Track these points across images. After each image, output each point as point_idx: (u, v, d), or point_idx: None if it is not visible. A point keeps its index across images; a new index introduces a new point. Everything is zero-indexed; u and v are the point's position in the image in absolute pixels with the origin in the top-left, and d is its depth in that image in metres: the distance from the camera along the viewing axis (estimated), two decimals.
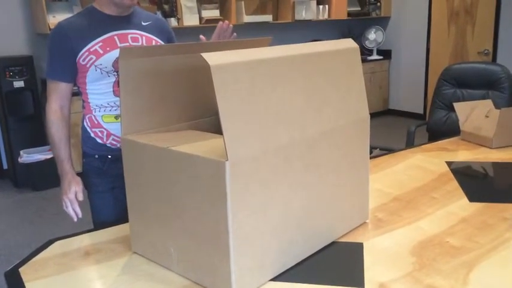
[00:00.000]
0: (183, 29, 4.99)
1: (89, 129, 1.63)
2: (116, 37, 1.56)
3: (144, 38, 1.62)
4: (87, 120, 1.63)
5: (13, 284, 1.11)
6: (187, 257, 1.08)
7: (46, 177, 4.10)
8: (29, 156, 4.04)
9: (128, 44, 1.57)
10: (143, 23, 1.65)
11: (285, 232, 1.09)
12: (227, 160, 0.93)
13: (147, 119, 1.22)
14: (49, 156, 4.08)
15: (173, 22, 4.81)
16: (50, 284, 1.10)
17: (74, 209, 1.53)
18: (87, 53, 1.53)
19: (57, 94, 1.58)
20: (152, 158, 1.10)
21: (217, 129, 1.35)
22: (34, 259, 1.22)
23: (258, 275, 1.05)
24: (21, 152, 4.07)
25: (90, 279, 1.11)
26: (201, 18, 5.05)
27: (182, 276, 1.10)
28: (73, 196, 1.53)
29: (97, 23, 1.56)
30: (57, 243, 1.30)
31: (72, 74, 1.58)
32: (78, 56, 1.54)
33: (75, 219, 1.54)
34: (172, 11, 4.81)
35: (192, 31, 5.14)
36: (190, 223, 1.04)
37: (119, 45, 1.56)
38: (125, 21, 1.60)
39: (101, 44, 1.54)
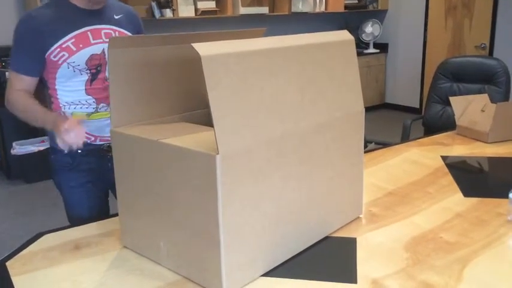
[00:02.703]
0: (178, 20, 4.94)
1: None
2: (88, 33, 1.49)
3: (117, 33, 1.55)
4: None
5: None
6: (178, 252, 1.06)
7: (39, 169, 4.07)
8: (21, 148, 4.00)
9: (101, 40, 1.50)
10: (116, 17, 1.57)
11: (277, 227, 1.07)
12: (218, 153, 0.91)
13: (137, 111, 1.20)
14: (42, 148, 4.05)
15: (168, 13, 4.76)
16: (38, 278, 1.08)
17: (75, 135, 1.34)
18: (58, 49, 1.46)
19: (21, 86, 1.49)
20: (142, 150, 1.08)
21: (210, 122, 1.33)
22: (22, 253, 1.20)
23: (249, 270, 1.03)
24: (14, 144, 4.04)
25: (79, 274, 1.10)
26: (196, 10, 5.01)
27: (172, 271, 1.09)
28: (69, 124, 1.36)
29: (68, 17, 1.48)
30: (45, 237, 1.28)
31: (39, 68, 1.50)
32: (49, 52, 1.46)
33: (81, 142, 1.36)
34: (168, 2, 4.76)
35: (188, 22, 5.10)
36: (181, 217, 1.02)
37: (91, 41, 1.49)
38: (97, 15, 1.52)
39: (73, 40, 1.47)
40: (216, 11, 5.15)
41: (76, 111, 1.53)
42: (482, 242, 1.20)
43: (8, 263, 1.15)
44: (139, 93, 1.19)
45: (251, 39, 1.02)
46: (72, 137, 1.33)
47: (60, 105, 1.54)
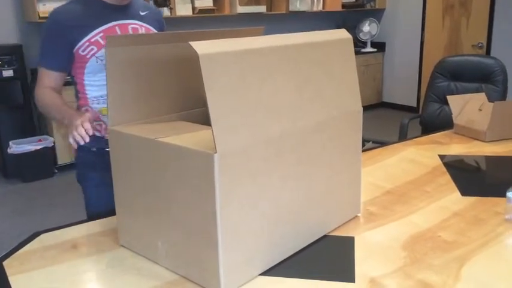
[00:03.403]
0: (176, 19, 4.92)
1: None
2: (117, 27, 1.53)
3: (143, 28, 1.60)
4: None
5: None
6: (175, 251, 1.05)
7: (35, 168, 4.06)
8: (18, 146, 3.99)
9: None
10: (141, 13, 1.62)
11: (275, 226, 1.07)
12: (216, 152, 0.90)
13: (136, 109, 1.19)
14: (39, 147, 4.03)
15: (165, 12, 4.75)
16: (35, 278, 1.08)
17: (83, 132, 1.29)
18: (87, 44, 1.49)
19: (49, 81, 1.53)
20: (140, 149, 1.07)
21: (208, 121, 1.32)
22: (19, 252, 1.19)
23: (247, 270, 1.03)
24: (11, 143, 4.02)
25: (76, 273, 1.09)
26: (194, 8, 5.00)
27: (170, 270, 1.08)
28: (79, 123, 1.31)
29: (96, 12, 1.51)
30: (43, 236, 1.27)
31: (67, 63, 1.53)
32: (77, 46, 1.49)
33: (82, 143, 1.30)
34: (165, 1, 4.74)
35: (185, 21, 5.09)
36: (179, 216, 1.02)
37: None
38: (124, 11, 1.57)
39: (101, 34, 1.50)
40: (213, 9, 5.14)
41: (104, 107, 1.55)
42: (480, 241, 1.20)
43: (5, 263, 1.14)
44: (137, 92, 1.19)
45: (249, 37, 1.02)
46: (79, 133, 1.28)
47: (88, 100, 1.56)
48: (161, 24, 1.71)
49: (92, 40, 1.49)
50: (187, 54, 1.28)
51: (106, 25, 1.51)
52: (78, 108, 1.60)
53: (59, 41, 1.49)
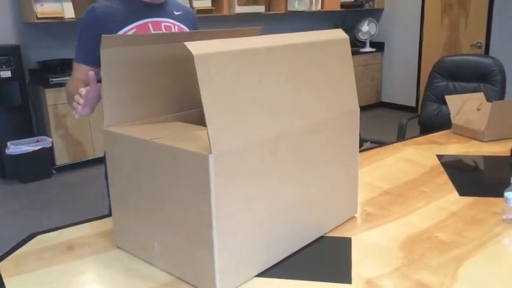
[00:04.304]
0: None
1: None
2: (149, 24, 1.55)
3: (176, 27, 1.61)
4: None
5: None
6: (171, 252, 1.05)
7: (33, 169, 4.05)
8: (16, 147, 3.98)
9: (161, 32, 1.56)
10: (175, 13, 1.65)
11: (272, 227, 1.07)
12: (211, 153, 0.90)
13: (131, 110, 1.19)
14: (37, 147, 4.03)
15: None
16: (31, 280, 1.07)
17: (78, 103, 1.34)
18: None
19: (79, 75, 1.54)
20: (135, 150, 1.07)
21: (204, 122, 1.32)
22: (15, 253, 1.19)
23: (243, 271, 1.02)
24: (9, 144, 4.01)
25: (72, 275, 1.09)
26: (192, 9, 4.99)
27: (166, 271, 1.08)
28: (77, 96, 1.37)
29: (131, 9, 1.55)
30: (39, 237, 1.27)
31: (99, 58, 1.55)
32: None
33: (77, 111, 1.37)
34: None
35: None
36: (174, 217, 1.01)
37: (152, 33, 1.54)
38: (158, 9, 1.60)
39: (134, 30, 1.52)
40: (212, 9, 5.13)
41: None
42: (478, 241, 1.19)
43: (0, 264, 1.14)
44: (132, 93, 1.19)
45: (244, 37, 1.02)
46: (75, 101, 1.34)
47: None
48: (195, 24, 1.72)
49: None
50: (183, 54, 1.27)
51: (139, 21, 1.54)
52: None
53: (91, 36, 1.51)
